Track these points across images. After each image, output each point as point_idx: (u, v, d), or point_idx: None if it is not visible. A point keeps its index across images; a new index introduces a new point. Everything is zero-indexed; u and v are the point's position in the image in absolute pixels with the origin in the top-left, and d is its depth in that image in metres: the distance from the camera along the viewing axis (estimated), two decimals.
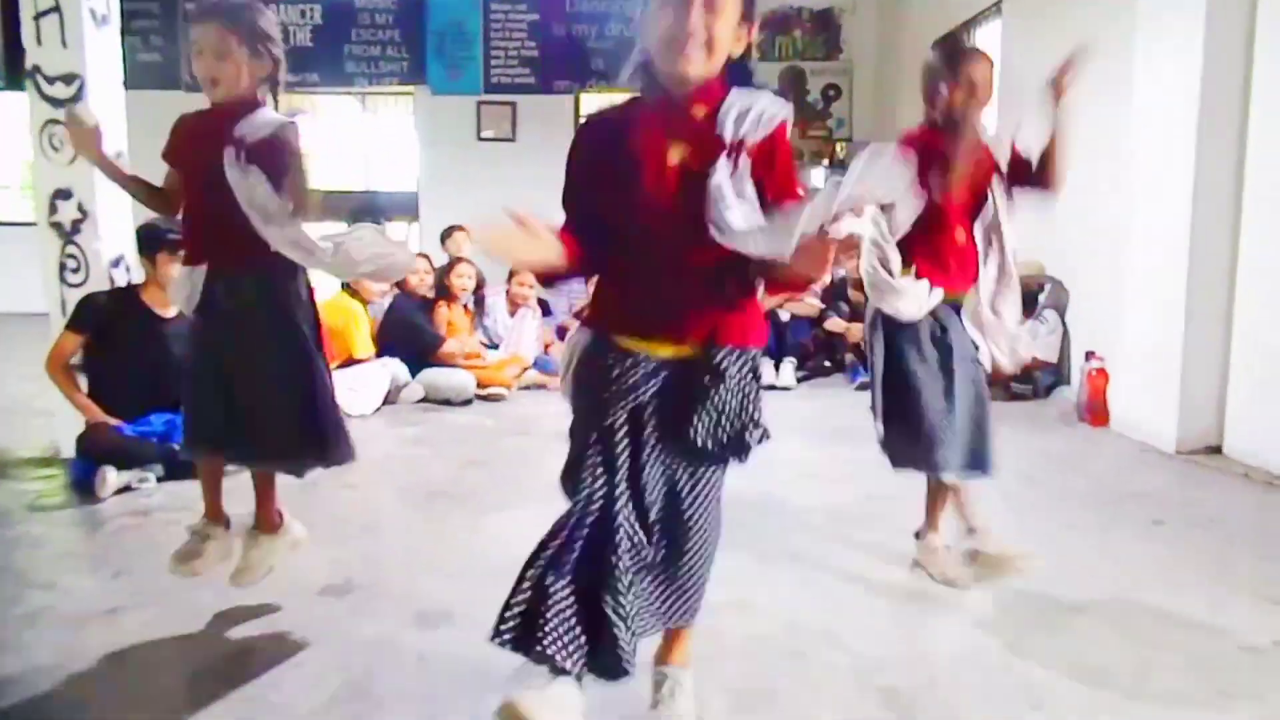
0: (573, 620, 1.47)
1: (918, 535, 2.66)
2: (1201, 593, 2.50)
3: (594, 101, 9.30)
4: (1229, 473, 3.71)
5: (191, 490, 3.41)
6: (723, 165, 1.49)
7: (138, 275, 3.94)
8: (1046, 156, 2.40)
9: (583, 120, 1.65)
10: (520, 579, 1.51)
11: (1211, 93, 3.83)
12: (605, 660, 1.49)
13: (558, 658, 1.43)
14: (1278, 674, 2.06)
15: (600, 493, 1.56)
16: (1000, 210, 2.46)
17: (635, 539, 1.57)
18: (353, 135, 10.16)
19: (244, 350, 2.22)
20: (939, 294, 2.43)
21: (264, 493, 2.44)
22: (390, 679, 2.04)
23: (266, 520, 2.44)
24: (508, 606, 1.50)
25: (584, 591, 1.49)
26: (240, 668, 2.09)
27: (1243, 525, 3.10)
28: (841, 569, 2.69)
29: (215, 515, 2.43)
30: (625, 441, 1.58)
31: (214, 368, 2.24)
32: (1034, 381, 5.20)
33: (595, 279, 1.70)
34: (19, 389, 4.94)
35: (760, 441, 1.63)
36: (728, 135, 1.50)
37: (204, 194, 2.19)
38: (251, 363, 2.22)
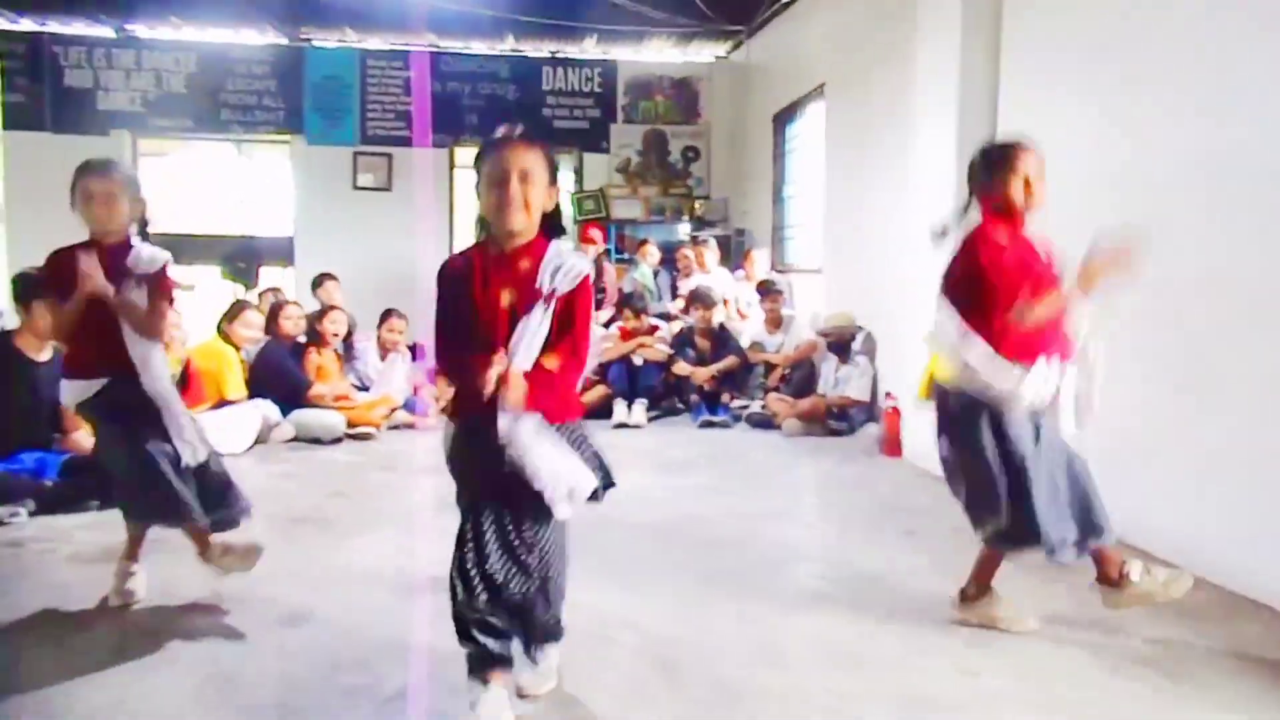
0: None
1: (963, 597, 2.78)
2: (921, 585, 3.12)
3: (467, 154, 9.79)
4: None
5: (64, 522, 3.72)
6: (539, 310, 2.02)
7: (11, 321, 4.16)
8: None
9: (444, 260, 2.18)
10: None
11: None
12: None
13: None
14: (978, 648, 2.68)
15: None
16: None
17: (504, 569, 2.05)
18: (229, 180, 10.32)
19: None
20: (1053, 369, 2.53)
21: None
22: (254, 667, 2.43)
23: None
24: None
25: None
26: (115, 668, 2.42)
27: None
28: (651, 571, 3.22)
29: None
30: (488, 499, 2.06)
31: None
32: (849, 419, 5.94)
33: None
34: None
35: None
36: (545, 286, 2.04)
37: (89, 314, 2.66)
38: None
